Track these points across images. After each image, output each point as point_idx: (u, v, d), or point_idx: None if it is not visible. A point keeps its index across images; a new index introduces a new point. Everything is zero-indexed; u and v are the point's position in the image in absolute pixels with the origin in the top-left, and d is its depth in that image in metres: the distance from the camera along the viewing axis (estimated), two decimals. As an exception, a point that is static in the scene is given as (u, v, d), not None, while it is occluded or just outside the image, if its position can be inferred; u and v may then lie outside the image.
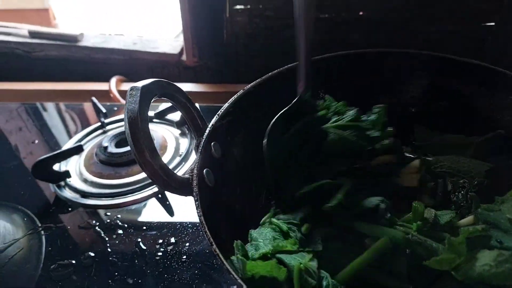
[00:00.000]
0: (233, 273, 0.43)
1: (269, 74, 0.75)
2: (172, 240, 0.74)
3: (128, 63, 1.33)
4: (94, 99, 1.02)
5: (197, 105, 1.12)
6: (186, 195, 0.53)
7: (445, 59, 0.72)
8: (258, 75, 0.76)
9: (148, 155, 0.48)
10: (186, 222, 0.78)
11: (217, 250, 0.44)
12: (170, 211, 0.82)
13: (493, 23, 1.17)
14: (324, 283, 0.45)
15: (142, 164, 0.48)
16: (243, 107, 0.69)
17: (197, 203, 0.50)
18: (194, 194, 0.51)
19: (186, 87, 1.26)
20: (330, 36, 1.24)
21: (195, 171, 0.54)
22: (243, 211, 0.63)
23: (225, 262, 0.43)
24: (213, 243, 0.44)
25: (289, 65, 0.76)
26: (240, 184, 0.64)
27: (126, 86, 1.26)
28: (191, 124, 0.62)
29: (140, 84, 0.51)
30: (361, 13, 1.25)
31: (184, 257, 0.71)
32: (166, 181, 0.50)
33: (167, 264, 0.70)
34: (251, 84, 0.72)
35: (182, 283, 0.66)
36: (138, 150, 0.48)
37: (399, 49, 0.76)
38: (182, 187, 0.52)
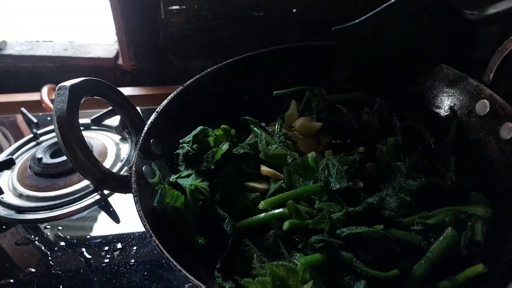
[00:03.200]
0: (175, 264, 0.43)
1: (208, 70, 0.76)
2: (119, 245, 0.72)
3: (60, 71, 1.27)
4: (23, 109, 0.96)
5: (137, 107, 1.11)
6: (125, 193, 0.52)
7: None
8: (198, 74, 0.76)
9: (80, 154, 0.47)
10: (132, 226, 0.76)
11: (156, 241, 0.44)
12: (115, 217, 0.79)
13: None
14: (228, 226, 0.53)
15: (75, 163, 0.47)
16: (182, 103, 0.69)
17: (135, 198, 0.49)
18: (133, 190, 0.50)
19: (124, 91, 1.22)
20: (266, 34, 1.28)
21: (133, 168, 0.53)
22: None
23: (165, 252, 0.44)
24: (153, 235, 0.44)
25: (227, 61, 0.77)
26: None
27: (59, 95, 1.19)
28: (128, 122, 0.62)
29: (69, 83, 0.50)
30: (294, 10, 1.29)
31: (132, 260, 0.69)
32: (102, 179, 0.49)
33: (114, 269, 0.68)
34: (190, 80, 0.73)
35: (132, 286, 0.65)
36: (70, 150, 0.46)
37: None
38: (120, 184, 0.52)
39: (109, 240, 0.74)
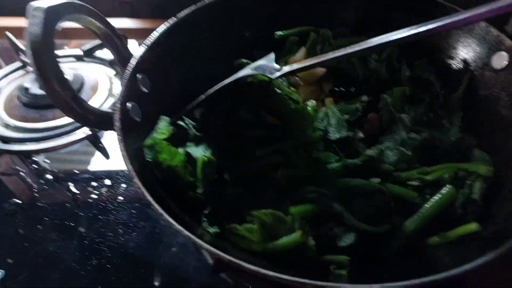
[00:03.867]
0: (161, 212, 0.41)
1: (208, 1, 0.69)
2: (107, 182, 0.71)
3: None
4: (8, 34, 0.90)
5: (134, 41, 1.04)
6: (106, 129, 0.49)
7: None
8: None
9: (56, 85, 0.43)
10: (122, 163, 0.74)
11: (138, 182, 0.42)
12: (105, 153, 0.77)
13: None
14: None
15: (51, 94, 0.43)
16: (176, 37, 0.64)
17: (119, 137, 0.46)
18: (116, 128, 0.47)
19: (123, 23, 1.15)
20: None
21: (117, 104, 0.49)
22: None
23: (149, 197, 0.41)
24: (135, 175, 0.42)
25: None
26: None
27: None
28: (115, 54, 0.57)
29: (45, 4, 0.45)
30: None
31: (121, 198, 0.68)
32: (81, 114, 0.46)
33: (101, 206, 0.67)
34: (185, 11, 0.66)
35: (118, 223, 0.64)
36: (45, 79, 0.43)
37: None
38: (102, 121, 0.48)
39: (98, 176, 0.72)
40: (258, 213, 0.46)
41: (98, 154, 0.77)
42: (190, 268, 0.59)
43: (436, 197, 0.51)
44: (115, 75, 0.96)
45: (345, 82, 0.66)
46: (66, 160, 0.75)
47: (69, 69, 0.92)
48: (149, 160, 0.49)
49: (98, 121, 0.48)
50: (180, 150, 0.51)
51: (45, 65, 0.42)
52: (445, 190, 0.51)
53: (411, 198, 0.52)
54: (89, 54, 0.97)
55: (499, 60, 0.58)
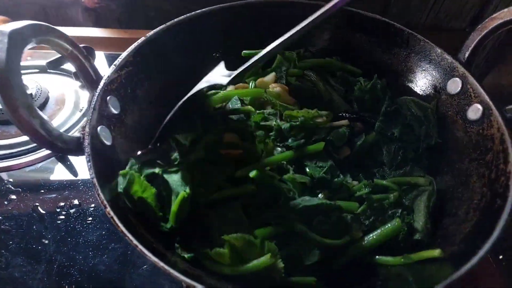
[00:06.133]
0: (132, 239, 0.41)
1: (176, 19, 0.69)
2: (76, 202, 0.69)
3: (12, 0, 1.14)
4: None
5: (101, 52, 1.02)
6: (77, 155, 0.48)
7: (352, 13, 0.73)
8: (170, 20, 0.70)
9: (24, 113, 0.42)
10: (90, 182, 0.73)
11: (111, 213, 0.41)
12: (72, 170, 0.76)
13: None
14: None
15: (18, 123, 0.42)
16: (146, 56, 0.64)
17: (89, 164, 0.46)
18: (86, 154, 0.46)
19: (86, 31, 1.13)
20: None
21: (86, 129, 0.49)
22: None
23: (123, 229, 0.41)
24: (107, 205, 0.42)
25: (201, 10, 0.71)
26: (143, 141, 0.60)
27: (11, 30, 1.08)
28: (82, 76, 0.56)
29: (9, 28, 0.43)
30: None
31: (90, 218, 0.67)
32: (50, 141, 0.45)
33: (70, 227, 0.65)
34: (154, 30, 0.66)
35: (88, 245, 0.63)
36: (11, 108, 0.42)
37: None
38: (71, 147, 0.48)
39: (65, 195, 0.70)
40: (229, 237, 0.47)
41: (65, 172, 0.75)
42: (163, 290, 0.59)
43: (386, 227, 0.55)
44: (81, 87, 0.94)
45: (309, 102, 0.68)
46: (31, 179, 0.73)
47: (33, 81, 0.90)
48: (120, 191, 0.48)
49: (67, 147, 0.47)
50: (157, 169, 0.52)
51: (12, 94, 0.41)
52: (393, 223, 0.55)
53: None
54: (53, 66, 0.94)
55: (453, 85, 0.62)
